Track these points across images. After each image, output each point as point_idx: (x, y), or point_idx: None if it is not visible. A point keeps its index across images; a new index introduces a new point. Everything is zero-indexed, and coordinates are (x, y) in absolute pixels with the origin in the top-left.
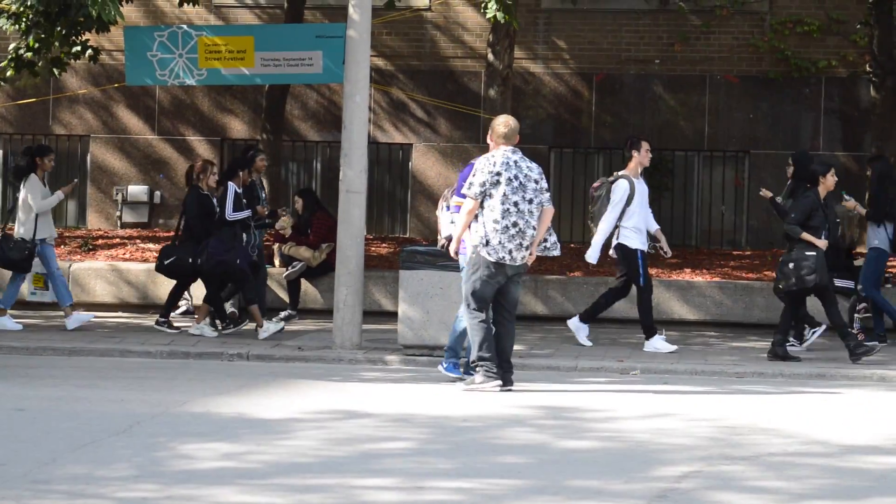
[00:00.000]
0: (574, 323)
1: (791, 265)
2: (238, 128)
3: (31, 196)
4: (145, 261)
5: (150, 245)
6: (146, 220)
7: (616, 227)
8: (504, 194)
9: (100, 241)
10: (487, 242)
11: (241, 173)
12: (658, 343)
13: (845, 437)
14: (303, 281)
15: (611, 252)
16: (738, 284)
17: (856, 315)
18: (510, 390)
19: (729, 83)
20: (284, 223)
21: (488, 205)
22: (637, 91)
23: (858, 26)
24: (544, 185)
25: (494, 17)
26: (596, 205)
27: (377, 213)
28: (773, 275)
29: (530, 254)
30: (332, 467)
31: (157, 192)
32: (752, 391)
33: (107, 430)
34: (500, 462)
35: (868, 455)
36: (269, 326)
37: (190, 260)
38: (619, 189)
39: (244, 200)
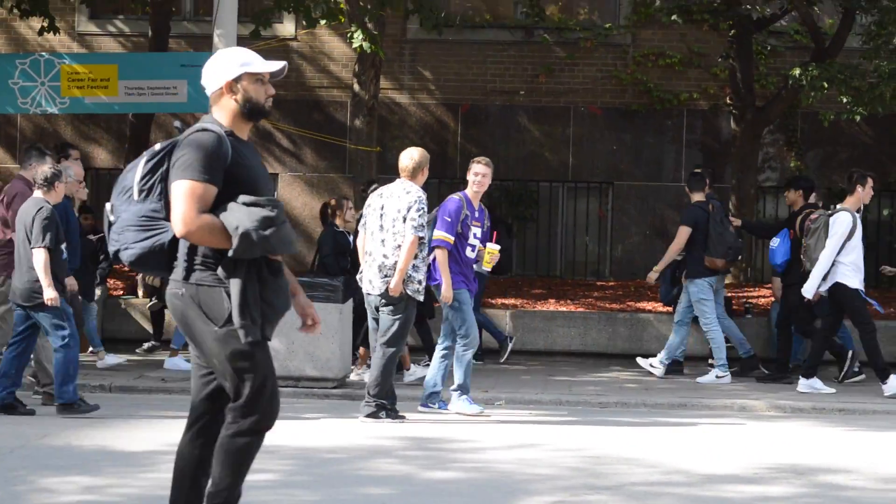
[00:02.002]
0: (805, 385)
1: None
2: (102, 157)
3: None
4: None
5: None
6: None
7: (833, 263)
8: (365, 224)
9: None
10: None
11: None
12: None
13: (707, 466)
14: (166, 312)
15: (821, 289)
16: (601, 315)
17: None
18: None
19: (593, 115)
20: None
21: None
22: (502, 122)
23: (719, 59)
24: (412, 214)
25: (361, 46)
26: (812, 237)
27: None
28: (637, 305)
29: (394, 284)
30: None
31: None
32: (615, 421)
33: None
34: (364, 493)
35: (729, 484)
36: (416, 369)
37: None
38: (841, 222)
39: None
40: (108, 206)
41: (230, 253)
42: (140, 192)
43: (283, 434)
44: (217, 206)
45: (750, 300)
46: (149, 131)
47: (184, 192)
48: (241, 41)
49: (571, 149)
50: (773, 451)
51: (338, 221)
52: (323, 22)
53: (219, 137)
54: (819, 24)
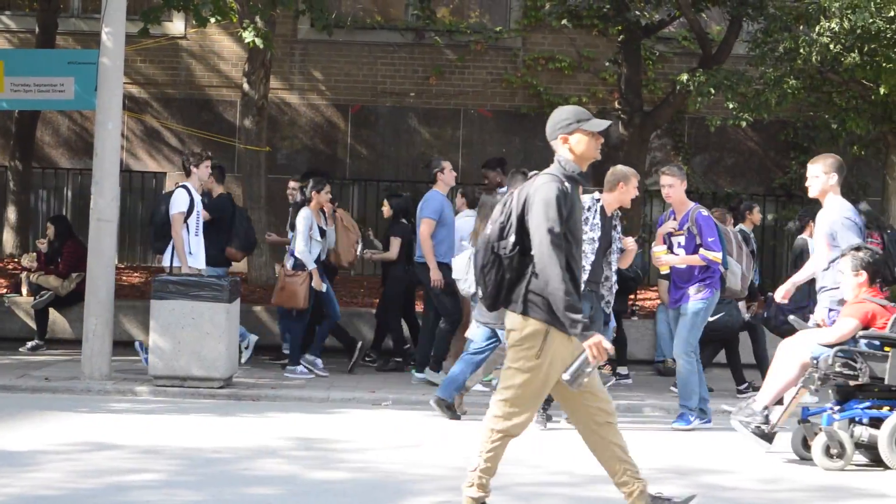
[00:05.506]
0: None
1: None
2: None
3: None
4: None
5: None
6: None
7: None
8: None
9: None
10: None
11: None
12: None
13: (591, 466)
14: (51, 310)
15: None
16: None
17: None
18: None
19: (483, 117)
20: (30, 259)
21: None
22: (392, 123)
23: (608, 64)
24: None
25: (252, 43)
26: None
27: (129, 241)
28: None
29: None
30: (79, 500)
31: None
32: None
33: None
34: (249, 493)
35: (613, 484)
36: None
37: None
38: None
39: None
40: None
41: None
42: None
43: (168, 434)
44: None
45: (637, 302)
46: (35, 128)
47: None
48: (130, 39)
49: (461, 151)
50: (657, 452)
51: (746, 224)
52: (213, 20)
53: None
54: (707, 30)
